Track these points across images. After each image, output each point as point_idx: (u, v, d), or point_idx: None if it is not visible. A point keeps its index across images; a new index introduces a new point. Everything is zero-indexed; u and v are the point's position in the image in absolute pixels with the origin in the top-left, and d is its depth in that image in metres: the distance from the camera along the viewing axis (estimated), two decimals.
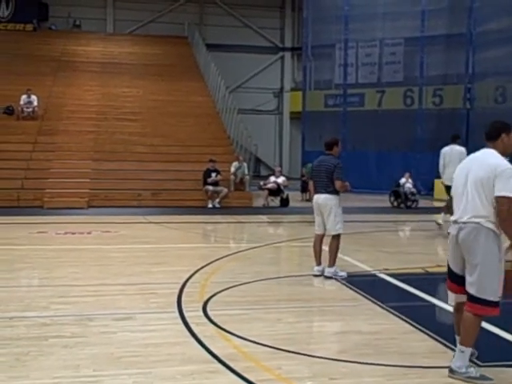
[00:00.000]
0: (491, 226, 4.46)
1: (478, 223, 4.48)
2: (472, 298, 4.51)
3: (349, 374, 4.61)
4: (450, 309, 6.34)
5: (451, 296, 4.84)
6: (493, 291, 4.45)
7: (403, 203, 17.82)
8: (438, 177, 21.00)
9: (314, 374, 4.61)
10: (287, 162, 30.80)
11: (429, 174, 21.17)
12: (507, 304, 4.84)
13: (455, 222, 4.66)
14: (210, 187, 16.94)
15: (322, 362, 4.86)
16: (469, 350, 4.54)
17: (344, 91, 25.12)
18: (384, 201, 18.48)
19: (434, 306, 6.71)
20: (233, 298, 6.85)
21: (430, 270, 8.59)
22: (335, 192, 7.93)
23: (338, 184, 7.89)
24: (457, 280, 4.72)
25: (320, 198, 7.98)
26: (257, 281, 7.67)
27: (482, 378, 4.51)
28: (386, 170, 20.93)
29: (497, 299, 4.46)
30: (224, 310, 6.27)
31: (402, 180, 18.26)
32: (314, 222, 8.31)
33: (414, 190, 18.20)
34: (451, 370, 4.59)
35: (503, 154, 4.64)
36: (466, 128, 22.38)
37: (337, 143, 8.12)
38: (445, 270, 8.51)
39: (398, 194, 18.07)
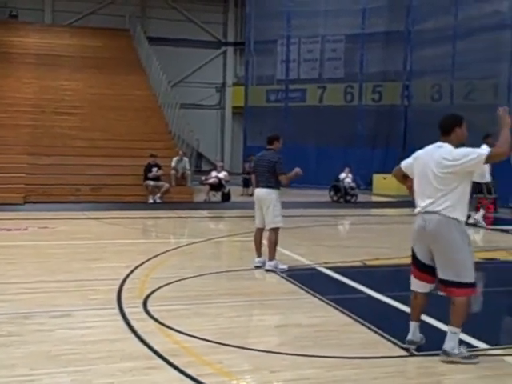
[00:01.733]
0: (456, 215, 4.71)
1: (443, 215, 4.71)
2: (447, 283, 4.77)
3: (289, 367, 4.66)
4: (387, 300, 6.58)
5: (418, 284, 5.00)
6: (469, 272, 4.76)
7: (343, 198, 18.11)
8: (377, 172, 21.60)
9: (254, 367, 4.64)
10: (229, 156, 30.80)
11: (368, 168, 21.62)
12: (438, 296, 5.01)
13: (421, 212, 4.84)
14: (151, 182, 16.78)
15: (262, 356, 4.90)
16: (459, 331, 4.80)
17: (286, 87, 25.29)
18: (324, 195, 18.72)
19: (371, 297, 6.84)
20: (174, 293, 6.82)
21: (368, 263, 8.77)
22: (276, 186, 8.03)
23: (283, 178, 7.99)
24: (424, 269, 4.92)
25: (260, 192, 8.07)
26: (198, 276, 7.66)
27: (473, 357, 4.81)
28: (326, 165, 21.18)
29: (473, 280, 4.79)
30: (165, 306, 6.23)
31: (342, 175, 18.54)
32: (254, 216, 8.37)
33: (353, 184, 18.51)
34: (445, 352, 4.78)
35: (457, 145, 4.87)
36: (404, 124, 22.92)
37: (277, 138, 8.20)
38: (382, 262, 8.81)
39: (337, 188, 18.34)
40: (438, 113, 21.18)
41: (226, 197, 17.43)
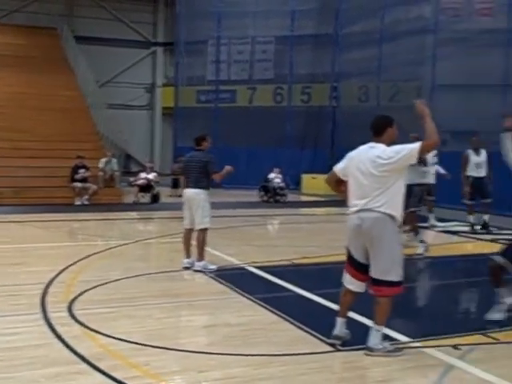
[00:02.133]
0: (392, 212, 4.85)
1: (380, 212, 4.83)
2: (378, 282, 4.90)
3: (217, 366, 4.67)
4: (315, 298, 6.69)
5: (353, 282, 5.09)
6: (399, 271, 4.93)
7: (272, 198, 18.27)
8: (306, 172, 21.90)
9: (182, 367, 4.64)
10: (159, 157, 30.48)
11: (297, 169, 21.89)
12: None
13: (358, 211, 4.93)
14: (78, 184, 16.42)
15: (190, 356, 4.89)
16: (383, 328, 4.97)
17: (216, 88, 25.27)
18: (253, 196, 18.82)
19: (299, 296, 6.94)
20: (101, 296, 6.71)
21: (296, 261, 8.88)
22: (205, 187, 8.06)
23: (216, 177, 8.05)
24: (360, 268, 5.01)
25: (190, 193, 8.06)
26: (126, 278, 7.57)
27: (397, 350, 4.99)
28: (256, 166, 21.27)
29: (402, 278, 4.95)
30: (91, 309, 6.12)
31: (271, 175, 18.70)
32: (184, 217, 8.35)
33: (282, 184, 18.70)
34: (369, 349, 4.91)
35: (389, 145, 5.02)
36: (332, 125, 23.32)
37: (205, 138, 8.23)
38: (310, 261, 8.93)
39: (267, 188, 18.48)
40: (365, 114, 21.77)
41: (155, 198, 17.26)
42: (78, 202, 16.22)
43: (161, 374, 4.49)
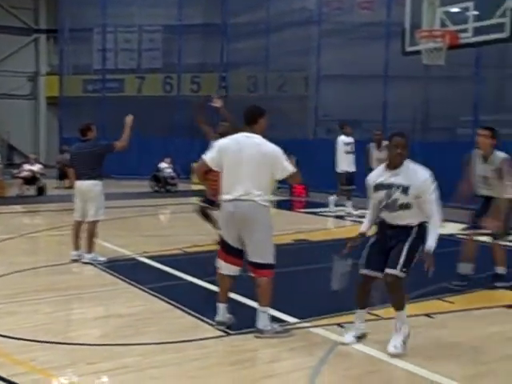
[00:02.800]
0: (265, 201, 5.05)
1: (254, 200, 4.99)
2: (256, 265, 5.07)
3: (108, 357, 4.64)
4: (205, 285, 6.77)
5: (228, 267, 5.23)
6: (272, 254, 5.14)
7: (163, 187, 18.16)
8: (196, 161, 21.82)
9: (72, 361, 4.56)
10: (44, 149, 29.43)
11: (187, 158, 21.84)
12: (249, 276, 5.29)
13: (232, 199, 5.03)
14: None
15: (81, 349, 4.83)
16: (269, 309, 5.10)
17: (103, 76, 24.69)
18: (145, 186, 18.63)
19: (190, 283, 7.00)
20: None
21: (187, 250, 8.93)
22: (99, 177, 7.93)
23: (119, 146, 8.08)
24: (235, 253, 5.15)
25: (84, 185, 7.88)
26: (11, 273, 7.30)
27: (285, 331, 5.16)
28: (147, 156, 21.05)
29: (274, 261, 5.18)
30: None
31: (162, 165, 18.58)
32: (72, 209, 8.16)
33: (173, 174, 18.63)
34: (260, 331, 5.04)
35: (262, 134, 5.18)
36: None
37: (90, 128, 8.09)
38: (200, 249, 9.00)
39: (158, 178, 18.36)
40: (255, 103, 22.06)
41: (41, 190, 16.66)
42: None
43: (49, 368, 4.40)
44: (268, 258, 5.13)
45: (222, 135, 8.26)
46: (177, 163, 19.78)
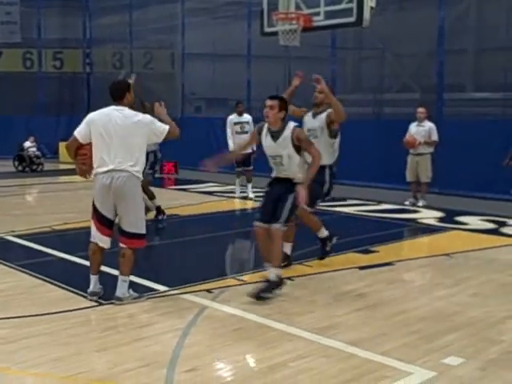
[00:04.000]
0: (138, 172, 5.30)
1: (129, 171, 5.22)
2: (130, 235, 5.33)
3: None
4: (76, 259, 6.89)
5: (101, 238, 5.43)
6: (144, 225, 5.43)
7: (28, 167, 17.62)
8: (63, 139, 21.34)
9: None
10: None
11: (53, 137, 21.27)
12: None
13: (107, 171, 5.20)
14: None
15: None
16: (128, 279, 5.39)
17: None
18: (8, 166, 17.96)
19: (61, 259, 7.08)
20: None
21: (57, 227, 8.91)
22: None
23: None
24: (107, 223, 5.35)
25: None
26: None
27: (141, 296, 5.47)
28: (8, 135, 20.26)
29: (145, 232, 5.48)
30: None
31: (27, 143, 17.97)
32: None
33: (38, 153, 18.10)
34: (118, 298, 5.31)
35: (130, 107, 5.41)
36: (88, 92, 23.00)
37: None
38: (71, 226, 9.02)
39: (22, 158, 17.76)
40: (119, 79, 21.72)
41: None
42: None
43: None
44: (141, 228, 5.40)
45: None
46: (42, 142, 19.24)
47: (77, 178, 13.97)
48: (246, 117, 12.25)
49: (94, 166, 5.34)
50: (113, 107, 5.37)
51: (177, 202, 11.81)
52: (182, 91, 19.65)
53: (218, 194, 13.09)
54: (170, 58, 22.12)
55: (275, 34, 9.92)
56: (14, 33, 23.91)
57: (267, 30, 9.98)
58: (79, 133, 5.38)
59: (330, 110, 6.57)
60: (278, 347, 4.46)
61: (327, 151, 6.52)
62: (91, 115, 5.40)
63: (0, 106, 21.86)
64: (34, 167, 17.69)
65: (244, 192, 12.24)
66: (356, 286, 6.12)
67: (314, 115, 6.74)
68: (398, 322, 5.05)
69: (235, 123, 12.14)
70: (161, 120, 5.50)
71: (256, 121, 12.16)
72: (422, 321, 5.00)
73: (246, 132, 11.55)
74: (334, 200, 11.39)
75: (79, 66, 23.55)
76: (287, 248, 6.56)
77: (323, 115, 6.64)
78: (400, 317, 5.17)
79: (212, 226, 9.74)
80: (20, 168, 17.72)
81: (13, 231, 8.48)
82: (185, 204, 11.48)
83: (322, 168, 6.23)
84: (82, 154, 5.43)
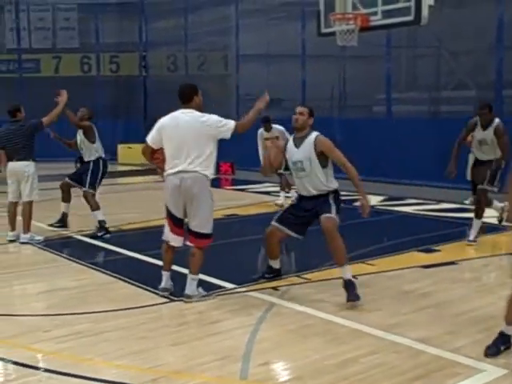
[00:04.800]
0: (208, 173, 5.42)
1: (198, 172, 5.36)
2: (198, 235, 5.47)
3: (60, 325, 4.94)
4: (144, 258, 7.12)
5: (174, 238, 5.60)
6: (211, 225, 5.54)
7: None
8: (121, 142, 21.92)
9: (27, 329, 4.84)
10: None
11: (111, 139, 21.78)
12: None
13: (177, 172, 5.38)
14: None
15: (32, 319, 5.13)
16: (198, 277, 5.54)
17: (19, 57, 24.10)
18: (69, 168, 18.34)
19: (129, 257, 7.33)
20: None
21: (122, 227, 9.20)
22: (32, 158, 8.04)
23: (53, 114, 8.39)
24: (178, 223, 5.54)
25: (17, 166, 7.99)
26: None
27: (210, 295, 5.61)
28: (69, 138, 20.80)
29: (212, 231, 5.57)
30: None
31: None
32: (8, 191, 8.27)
33: None
34: (187, 296, 5.47)
35: (199, 111, 5.52)
36: (144, 94, 23.49)
37: (19, 109, 8.23)
38: (135, 226, 9.28)
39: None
40: (175, 83, 22.03)
41: None
42: None
43: (7, 337, 4.67)
44: (209, 228, 5.53)
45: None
46: None
47: (135, 179, 14.32)
48: (275, 129, 11.23)
49: (166, 168, 5.53)
50: (181, 110, 5.53)
51: (234, 202, 12.00)
52: (237, 92, 19.85)
53: (275, 193, 13.20)
54: (223, 59, 22.39)
55: (332, 34, 10.00)
56: (72, 38, 24.62)
57: (324, 30, 10.07)
58: (151, 139, 5.60)
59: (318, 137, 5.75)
60: (347, 343, 4.55)
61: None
62: (161, 120, 5.58)
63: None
64: None
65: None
66: (420, 285, 6.15)
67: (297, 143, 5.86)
68: (465, 320, 5.07)
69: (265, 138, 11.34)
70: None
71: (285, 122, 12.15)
72: (492, 319, 4.99)
73: None
74: (392, 199, 11.44)
75: (135, 69, 24.07)
76: (275, 264, 6.26)
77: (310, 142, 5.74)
78: (467, 315, 5.19)
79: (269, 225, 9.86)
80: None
81: (81, 231, 8.80)
82: (243, 204, 11.65)
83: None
84: (156, 158, 5.64)
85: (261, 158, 11.59)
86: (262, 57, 19.28)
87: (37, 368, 4.09)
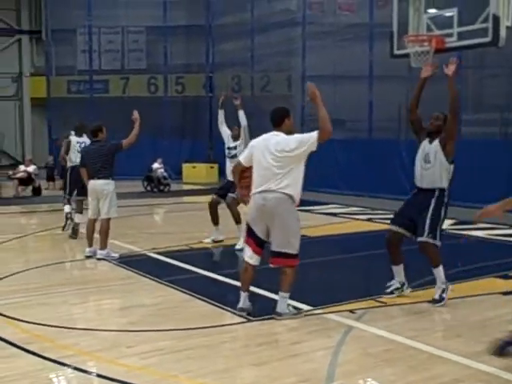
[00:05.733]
0: (292, 193, 5.47)
1: (282, 193, 5.43)
2: (282, 255, 5.52)
3: (143, 341, 5.03)
4: (217, 277, 7.20)
5: (254, 257, 5.66)
6: (297, 245, 5.58)
7: (156, 187, 18.50)
8: (186, 161, 22.31)
9: (111, 344, 4.95)
10: (30, 150, 29.49)
11: (176, 158, 22.22)
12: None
13: (261, 192, 5.49)
14: None
15: (116, 335, 5.23)
16: (288, 295, 5.59)
17: (90, 78, 24.91)
18: (136, 186, 18.93)
19: (203, 276, 7.41)
20: (8, 287, 6.80)
21: (193, 246, 9.32)
22: (111, 176, 8.27)
23: (132, 136, 8.50)
24: (259, 243, 5.60)
25: (97, 184, 8.23)
26: (30, 269, 7.66)
27: (299, 313, 5.70)
28: (136, 157, 21.33)
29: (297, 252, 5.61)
30: (5, 300, 6.22)
31: (155, 165, 18.90)
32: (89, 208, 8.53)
33: (165, 174, 18.99)
34: (278, 314, 5.55)
35: (289, 133, 5.61)
36: (210, 115, 23.85)
37: (101, 129, 8.50)
38: (206, 245, 9.39)
39: (151, 178, 18.68)
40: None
41: (37, 191, 16.92)
42: None
43: (93, 351, 4.79)
44: (294, 248, 5.56)
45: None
46: (166, 163, 20.13)
47: (201, 198, 14.53)
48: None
49: (252, 188, 5.64)
50: (272, 133, 5.67)
51: (302, 222, 11.96)
52: (302, 113, 19.91)
53: (342, 215, 13.16)
54: (286, 80, 22.52)
55: (404, 55, 9.95)
56: (140, 60, 25.29)
57: (397, 52, 10.01)
58: (243, 158, 5.80)
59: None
60: (431, 369, 4.47)
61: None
62: (253, 141, 5.80)
63: (128, 129, 23.07)
64: (162, 188, 18.55)
65: None
66: (501, 312, 5.98)
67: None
68: None
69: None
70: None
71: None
72: None
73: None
74: (463, 223, 11.20)
75: (201, 89, 24.49)
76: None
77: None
78: None
79: (341, 247, 9.84)
80: (148, 188, 18.64)
81: (154, 248, 8.97)
82: (310, 225, 11.63)
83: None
84: (245, 177, 5.75)
85: None
86: (327, 77, 19.30)
87: (126, 383, 4.18)
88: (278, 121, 5.64)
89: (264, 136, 5.69)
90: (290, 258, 5.57)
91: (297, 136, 5.57)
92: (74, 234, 9.84)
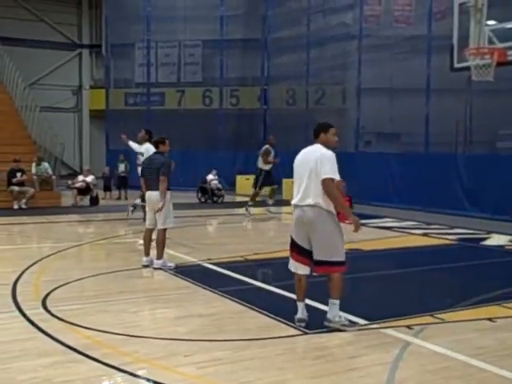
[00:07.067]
0: (329, 206, 5.58)
1: (316, 205, 5.55)
2: (324, 263, 5.60)
3: (199, 351, 5.09)
4: (272, 289, 7.21)
5: (298, 266, 5.77)
6: (340, 253, 5.65)
7: (210, 199, 18.67)
8: (240, 173, 22.47)
9: (169, 353, 5.02)
10: (88, 160, 30.23)
11: (230, 170, 22.40)
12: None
13: (300, 205, 5.62)
14: (16, 188, 16.29)
15: (173, 343, 5.29)
16: (338, 302, 5.62)
17: (147, 90, 25.41)
18: (190, 197, 19.14)
19: (258, 287, 7.45)
20: (70, 294, 6.97)
21: (248, 257, 9.36)
22: (167, 188, 8.38)
23: (161, 179, 8.29)
24: (304, 253, 5.70)
25: (153, 195, 8.38)
26: (89, 277, 7.83)
27: (351, 325, 5.69)
28: (190, 168, 21.62)
29: (344, 259, 5.67)
30: (65, 306, 6.38)
31: (209, 176, 19.08)
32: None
33: (219, 185, 19.15)
34: (328, 320, 5.62)
35: (327, 147, 5.72)
36: (264, 127, 24.01)
37: (163, 142, 8.60)
38: (261, 257, 9.43)
39: (205, 189, 18.87)
40: (294, 116, 22.44)
41: (95, 201, 17.33)
42: (15, 206, 16.09)
43: (151, 358, 4.87)
44: (336, 255, 5.63)
45: None
46: (221, 175, 20.30)
47: (254, 210, 14.60)
48: None
49: (293, 199, 5.78)
50: (314, 145, 5.83)
51: (355, 236, 11.86)
52: (357, 126, 19.82)
53: (396, 229, 13.00)
54: (341, 93, 22.46)
55: (464, 69, 9.81)
56: (196, 73, 25.66)
57: (457, 65, 9.88)
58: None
59: None
60: None
61: None
62: (298, 155, 5.93)
63: (184, 141, 23.45)
64: (215, 199, 18.71)
65: None
66: None
67: None
68: None
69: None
70: None
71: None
72: None
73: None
74: None
75: (255, 102, 24.67)
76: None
77: None
78: None
79: (397, 261, 9.72)
80: (203, 199, 18.83)
81: (209, 259, 9.05)
82: (365, 239, 11.52)
83: None
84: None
85: None
86: (383, 90, 19.16)
87: None
88: (316, 134, 5.86)
89: (306, 149, 5.86)
90: (334, 266, 5.64)
91: (324, 154, 5.60)
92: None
